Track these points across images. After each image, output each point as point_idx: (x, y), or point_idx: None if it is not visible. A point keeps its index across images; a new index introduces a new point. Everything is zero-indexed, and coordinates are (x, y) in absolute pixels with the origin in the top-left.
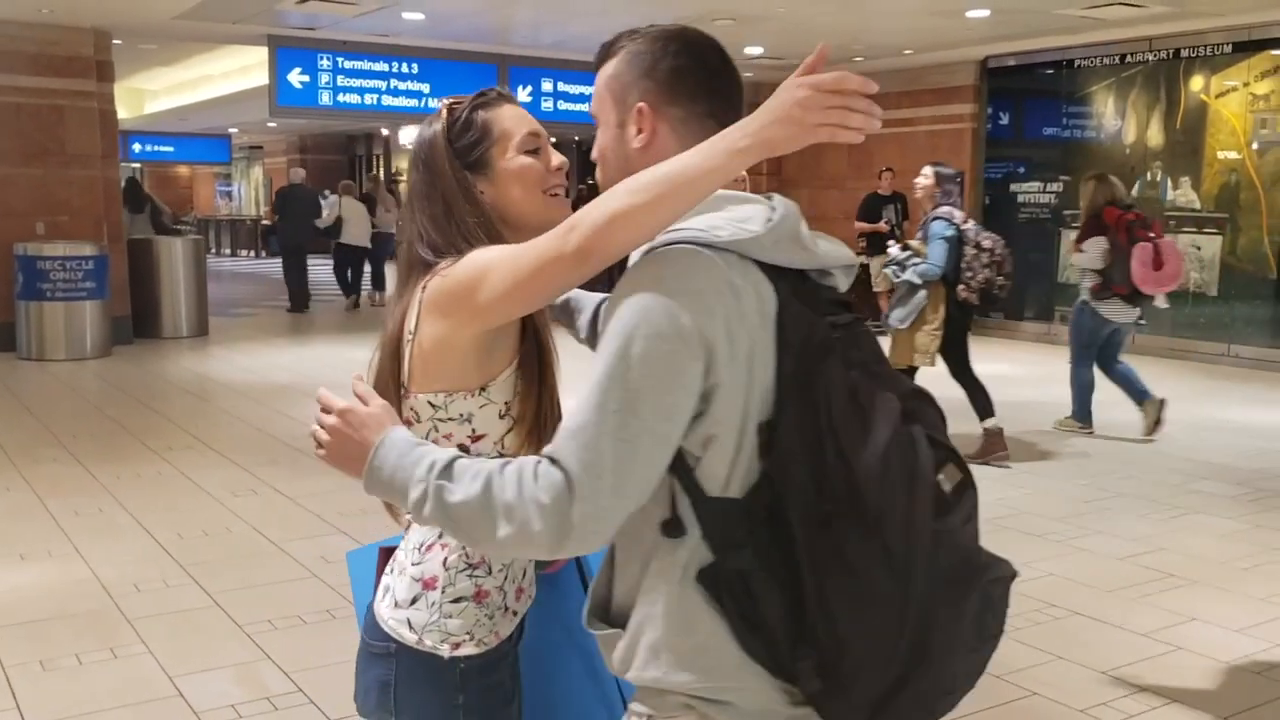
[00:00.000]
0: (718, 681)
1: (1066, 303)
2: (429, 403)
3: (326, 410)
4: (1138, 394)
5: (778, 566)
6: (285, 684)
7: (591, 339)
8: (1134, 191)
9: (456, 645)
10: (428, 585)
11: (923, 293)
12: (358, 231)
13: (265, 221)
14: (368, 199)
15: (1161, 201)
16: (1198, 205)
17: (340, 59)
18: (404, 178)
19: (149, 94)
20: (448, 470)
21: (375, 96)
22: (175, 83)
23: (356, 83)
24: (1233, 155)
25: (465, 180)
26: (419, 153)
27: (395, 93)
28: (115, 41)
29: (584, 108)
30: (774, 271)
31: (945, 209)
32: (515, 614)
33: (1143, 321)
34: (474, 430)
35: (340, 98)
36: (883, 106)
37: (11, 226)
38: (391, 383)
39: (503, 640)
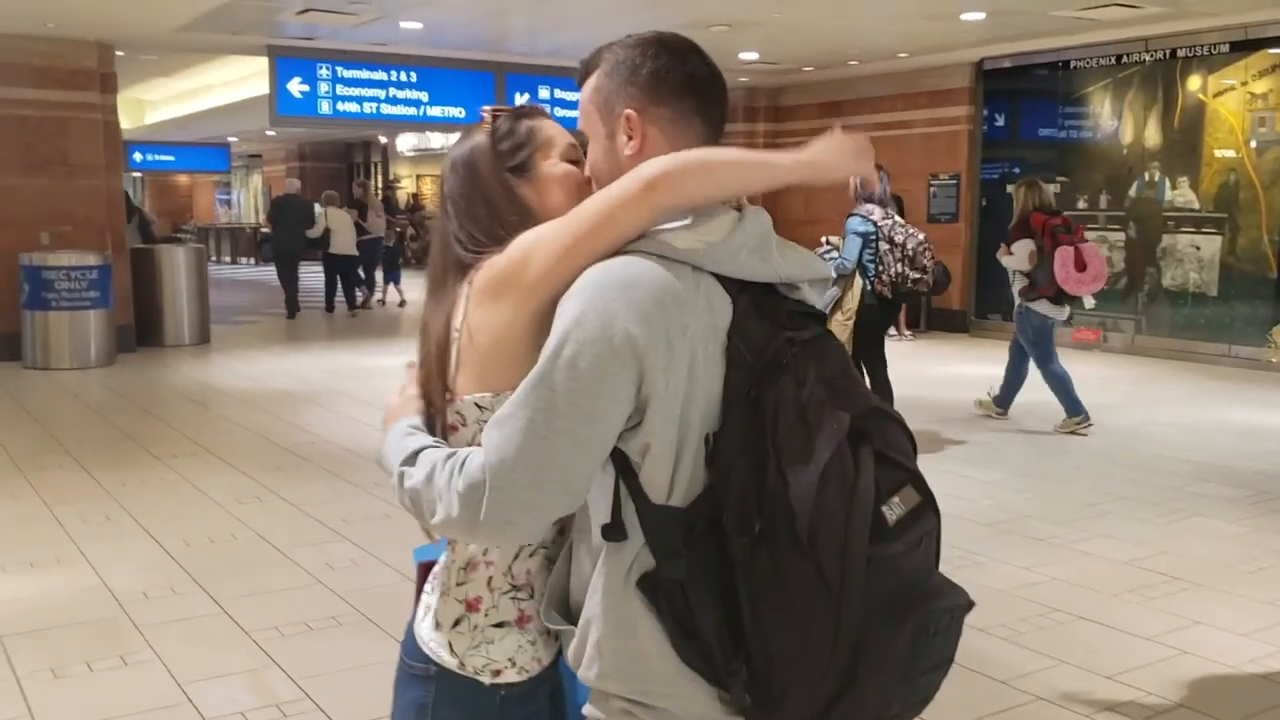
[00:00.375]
0: (655, 687)
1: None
2: (475, 404)
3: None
4: (1009, 391)
5: (715, 578)
6: (294, 691)
7: None
8: (1132, 192)
9: (497, 672)
10: (471, 607)
11: (835, 288)
12: (343, 241)
13: (265, 229)
14: (358, 205)
15: (1160, 202)
16: (1196, 205)
17: (339, 68)
18: (403, 184)
19: (149, 104)
20: (413, 458)
21: (374, 105)
22: (175, 93)
23: (355, 91)
24: (1231, 155)
25: (508, 182)
26: (460, 158)
27: (394, 101)
28: (117, 53)
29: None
30: (735, 284)
31: (866, 206)
32: (558, 639)
33: (1069, 324)
34: None
35: (339, 106)
36: (878, 110)
37: (17, 237)
38: (438, 386)
39: (545, 667)
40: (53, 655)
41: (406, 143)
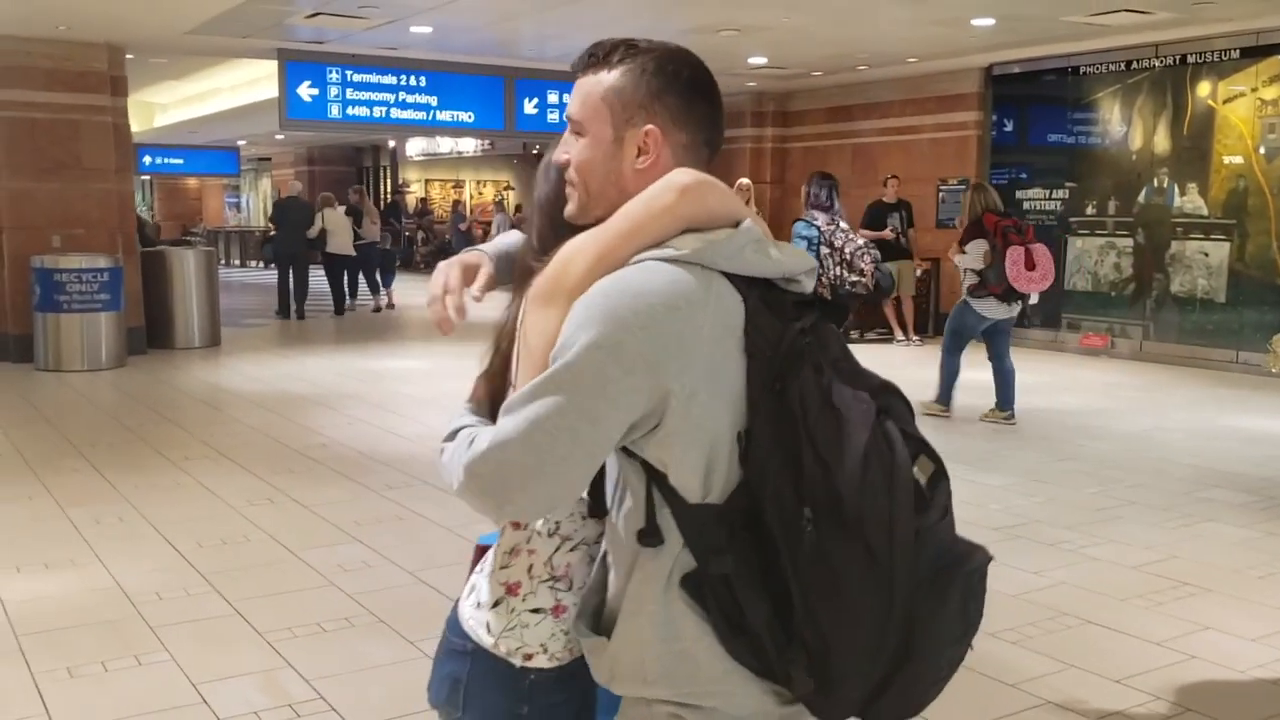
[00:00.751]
0: (703, 687)
1: (1074, 310)
2: None
3: None
4: (1004, 398)
5: (761, 571)
6: (307, 691)
7: None
8: (1141, 198)
9: (529, 656)
10: (510, 590)
11: None
12: (341, 241)
13: (271, 231)
14: (352, 211)
15: (1169, 208)
16: (1205, 211)
17: (349, 72)
18: (412, 189)
19: (159, 107)
20: (452, 435)
21: (384, 109)
22: (185, 96)
23: (365, 95)
24: (1240, 161)
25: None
26: (548, 169)
27: (403, 105)
28: (127, 56)
29: None
30: (743, 283)
31: (811, 213)
32: None
33: (1016, 318)
34: None
35: (349, 110)
36: (887, 115)
37: (29, 239)
38: (499, 385)
39: (576, 658)
40: (68, 655)
41: (415, 147)
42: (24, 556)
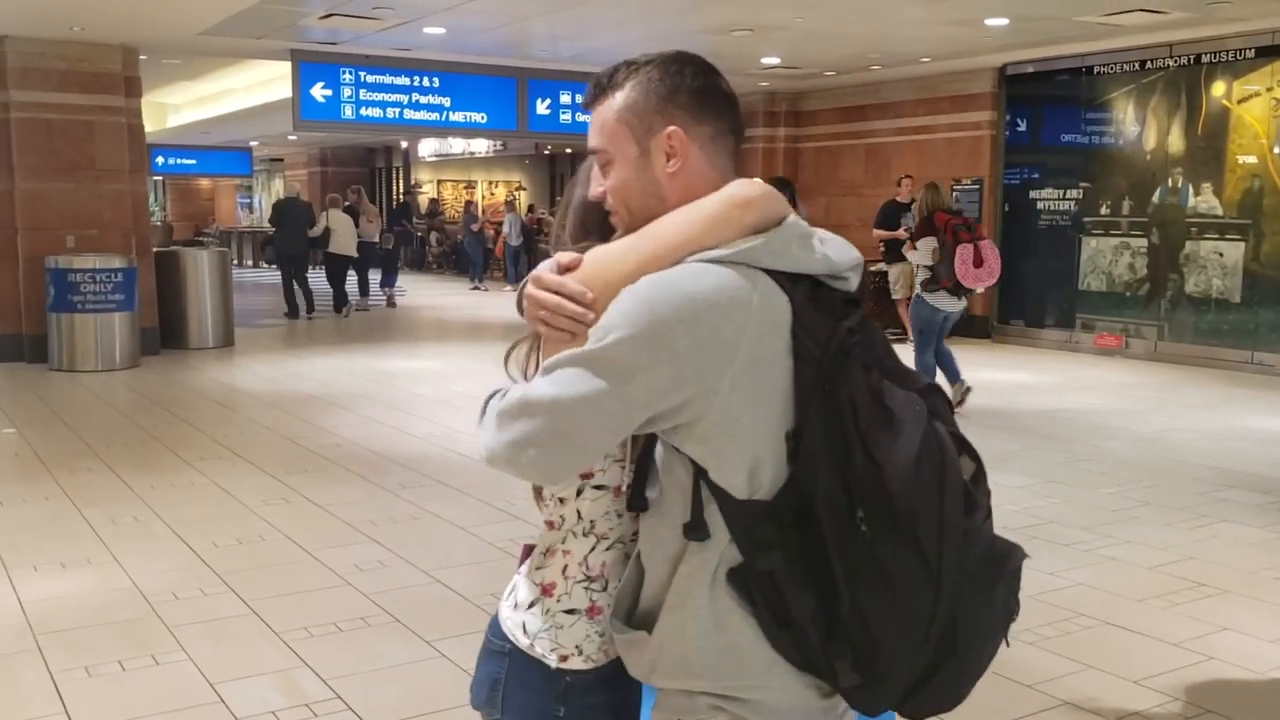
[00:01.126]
0: (748, 680)
1: (1088, 310)
2: None
3: None
4: (952, 374)
5: (807, 567)
6: (324, 690)
7: None
8: (1155, 198)
9: (564, 658)
10: (546, 591)
11: None
12: (344, 241)
13: (271, 231)
14: (351, 211)
15: (1183, 208)
16: (1220, 211)
17: (362, 73)
18: (424, 189)
19: (172, 108)
20: (487, 401)
21: (397, 110)
22: (198, 96)
23: (378, 96)
24: (1255, 160)
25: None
26: (589, 170)
27: (417, 106)
28: (141, 57)
29: None
30: (789, 281)
31: None
32: None
33: (962, 312)
34: None
35: (363, 111)
36: (900, 114)
37: (43, 240)
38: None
39: (611, 660)
40: (85, 654)
41: (428, 147)
42: (41, 556)
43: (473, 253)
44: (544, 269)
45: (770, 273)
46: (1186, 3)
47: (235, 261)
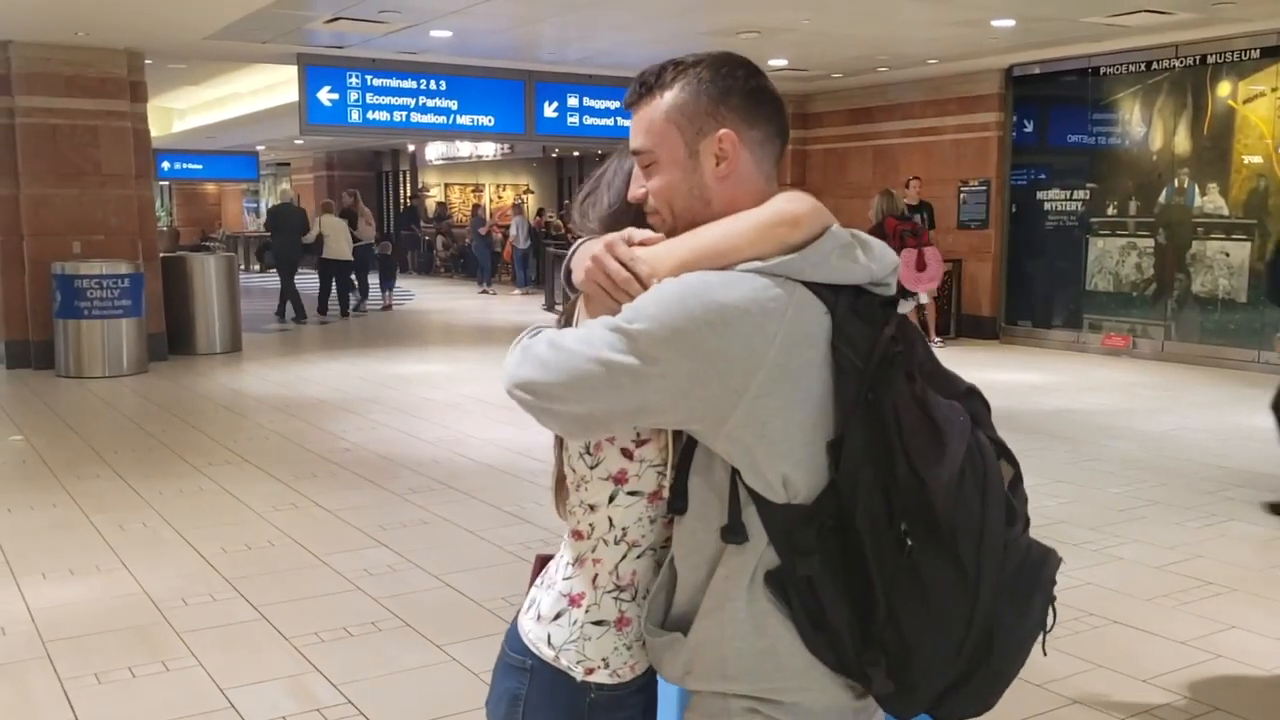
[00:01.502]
0: (784, 682)
1: (1095, 311)
2: None
3: None
4: None
5: (845, 573)
6: (335, 696)
7: None
8: (1162, 199)
9: (590, 670)
10: (574, 601)
11: None
12: (338, 246)
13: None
14: (347, 214)
15: (1189, 208)
16: (1226, 211)
17: (369, 77)
18: (431, 193)
19: (177, 113)
20: (518, 340)
21: (404, 114)
22: (203, 101)
23: (385, 100)
24: (1261, 161)
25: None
26: (621, 159)
27: (424, 109)
28: (146, 62)
29: (609, 122)
30: (829, 293)
31: None
32: None
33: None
34: (638, 435)
35: (369, 115)
36: (908, 116)
37: (49, 246)
38: None
39: (638, 675)
40: (95, 661)
41: (435, 151)
42: (49, 563)
43: (480, 256)
44: (619, 240)
45: (811, 284)
46: (1192, 3)
47: (242, 266)
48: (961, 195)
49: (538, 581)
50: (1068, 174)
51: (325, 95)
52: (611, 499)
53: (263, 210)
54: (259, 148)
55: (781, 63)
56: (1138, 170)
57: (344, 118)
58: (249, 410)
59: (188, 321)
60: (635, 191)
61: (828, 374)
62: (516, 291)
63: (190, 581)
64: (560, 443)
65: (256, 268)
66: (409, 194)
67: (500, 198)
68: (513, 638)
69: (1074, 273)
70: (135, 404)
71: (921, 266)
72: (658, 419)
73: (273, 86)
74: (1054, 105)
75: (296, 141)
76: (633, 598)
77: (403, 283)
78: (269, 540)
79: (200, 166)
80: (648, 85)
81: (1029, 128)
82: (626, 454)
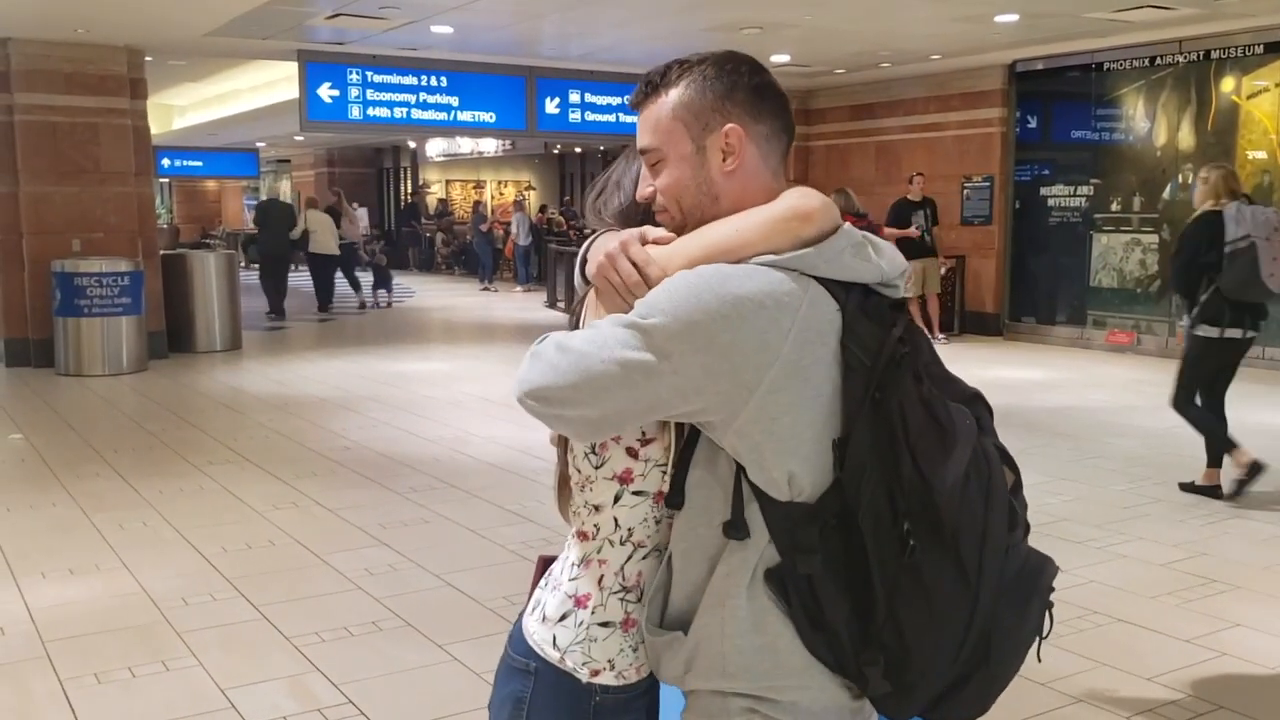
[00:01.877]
0: (783, 681)
1: (1099, 307)
2: None
3: None
4: None
5: (846, 573)
6: (335, 695)
7: None
8: (1165, 195)
9: (595, 672)
10: (580, 603)
11: None
12: (324, 241)
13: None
14: (331, 212)
15: (1193, 204)
16: None
17: (370, 73)
18: (432, 190)
19: (177, 110)
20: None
21: (405, 110)
22: (204, 98)
23: (386, 96)
24: (1264, 156)
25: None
26: (618, 174)
27: (424, 106)
28: (146, 59)
29: (611, 118)
30: (840, 290)
31: None
32: None
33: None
34: (643, 433)
35: (370, 111)
36: (910, 112)
37: (49, 244)
38: None
39: (643, 678)
40: (95, 661)
41: (436, 147)
42: (49, 563)
43: (482, 253)
44: (633, 239)
45: (823, 280)
46: None
47: (242, 264)
48: (965, 191)
49: (542, 583)
50: (1071, 170)
51: (325, 92)
52: (617, 499)
53: None
54: (259, 144)
55: (784, 58)
56: (1141, 166)
57: (344, 114)
58: (249, 408)
59: (188, 319)
60: (643, 190)
61: (836, 372)
62: (518, 288)
63: (190, 581)
64: (564, 442)
65: (255, 265)
66: (410, 191)
67: (501, 194)
68: (516, 640)
69: (1078, 269)
70: (135, 402)
71: None
72: (668, 413)
73: (273, 83)
74: (1057, 101)
75: (297, 138)
76: (638, 599)
77: (404, 280)
78: (269, 539)
79: (200, 163)
80: (653, 85)
81: (1032, 123)
82: (632, 453)
